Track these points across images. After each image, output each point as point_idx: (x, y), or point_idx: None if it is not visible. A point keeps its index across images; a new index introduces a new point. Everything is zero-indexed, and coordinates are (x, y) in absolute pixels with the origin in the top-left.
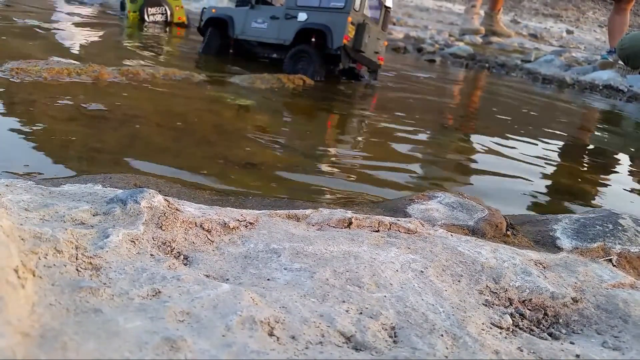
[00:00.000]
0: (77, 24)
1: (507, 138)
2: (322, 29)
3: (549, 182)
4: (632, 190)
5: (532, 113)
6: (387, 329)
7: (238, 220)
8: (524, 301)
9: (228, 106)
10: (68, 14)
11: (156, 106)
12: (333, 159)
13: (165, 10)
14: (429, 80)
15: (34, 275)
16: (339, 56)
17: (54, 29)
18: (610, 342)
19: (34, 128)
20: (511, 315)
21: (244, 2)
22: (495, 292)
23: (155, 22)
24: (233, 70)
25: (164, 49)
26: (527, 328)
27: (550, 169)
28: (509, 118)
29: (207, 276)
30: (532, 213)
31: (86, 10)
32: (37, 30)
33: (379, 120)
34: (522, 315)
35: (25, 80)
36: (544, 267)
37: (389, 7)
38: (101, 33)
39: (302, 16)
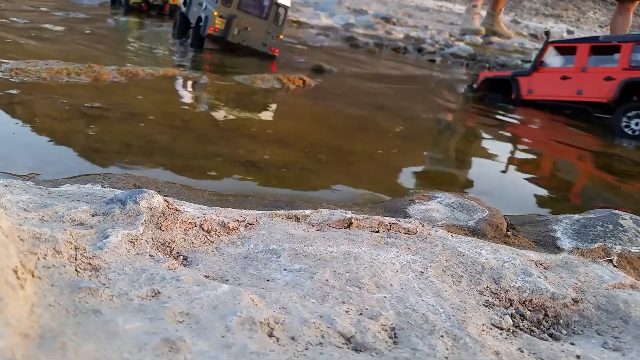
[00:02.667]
0: (74, 21)
1: (508, 138)
2: (202, 18)
3: (549, 183)
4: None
5: (532, 112)
6: (387, 329)
7: (237, 220)
8: (524, 302)
9: (228, 106)
10: (66, 12)
11: (156, 106)
12: (333, 158)
13: None
14: (430, 80)
15: (33, 276)
16: (204, 40)
17: (50, 26)
18: (610, 342)
19: (33, 128)
20: (512, 316)
21: None
22: (496, 293)
23: (153, 6)
24: (233, 70)
25: (161, 45)
26: (527, 329)
27: (550, 169)
28: (508, 117)
29: (207, 277)
30: (533, 213)
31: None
32: (36, 29)
33: (379, 121)
34: (523, 316)
35: (24, 81)
36: (545, 268)
37: (282, 4)
38: (98, 27)
39: (204, 6)
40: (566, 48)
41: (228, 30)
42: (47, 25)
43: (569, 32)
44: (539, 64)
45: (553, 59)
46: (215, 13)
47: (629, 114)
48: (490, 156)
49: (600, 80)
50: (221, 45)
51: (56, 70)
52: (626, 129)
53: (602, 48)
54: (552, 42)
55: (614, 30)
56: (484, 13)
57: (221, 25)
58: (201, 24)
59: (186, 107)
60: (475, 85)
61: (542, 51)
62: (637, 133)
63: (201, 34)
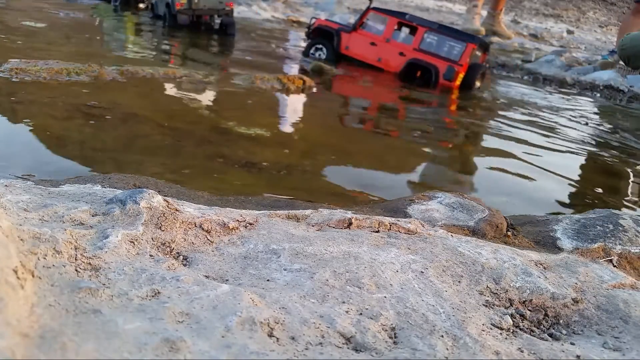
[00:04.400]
0: (73, 20)
1: (508, 138)
2: (169, 2)
3: (549, 183)
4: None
5: (532, 112)
6: (387, 329)
7: (237, 220)
8: (524, 302)
9: (228, 106)
10: (65, 12)
11: (156, 106)
12: (333, 159)
13: None
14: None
15: (33, 276)
16: (176, 16)
17: (50, 26)
18: (610, 342)
19: (33, 128)
20: (511, 316)
21: None
22: (496, 293)
23: None
24: (233, 70)
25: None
26: (527, 329)
27: (550, 169)
28: (508, 117)
29: (207, 277)
30: (533, 213)
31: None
32: (34, 29)
33: (379, 121)
34: (523, 316)
35: (25, 80)
36: (545, 268)
37: None
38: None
39: None
40: (382, 18)
41: (191, 1)
42: (43, 25)
43: (569, 32)
44: (358, 25)
45: (371, 24)
46: None
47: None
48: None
49: (396, 54)
50: (190, 17)
51: (56, 70)
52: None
53: (406, 26)
54: (374, 8)
55: (624, 30)
56: (484, 13)
57: (184, 0)
58: (171, 6)
59: (186, 107)
60: (310, 32)
61: (363, 14)
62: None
63: (172, 13)
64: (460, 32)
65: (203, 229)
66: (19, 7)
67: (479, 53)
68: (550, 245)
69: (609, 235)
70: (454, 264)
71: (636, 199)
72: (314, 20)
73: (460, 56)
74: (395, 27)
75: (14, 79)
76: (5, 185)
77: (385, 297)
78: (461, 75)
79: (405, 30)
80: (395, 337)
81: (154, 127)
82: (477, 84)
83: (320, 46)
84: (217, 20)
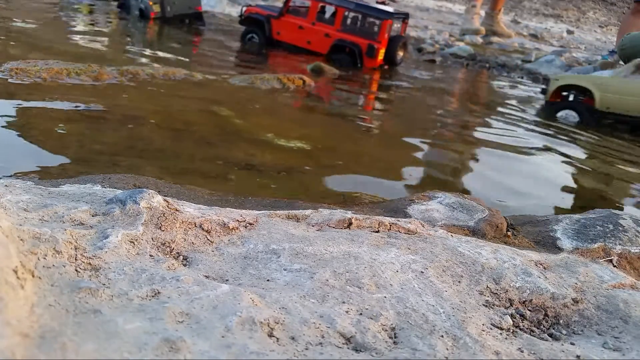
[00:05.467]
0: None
1: (508, 137)
2: (143, 9)
3: (550, 183)
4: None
5: (532, 112)
6: (387, 329)
7: (238, 220)
8: (524, 302)
9: (227, 107)
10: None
11: (156, 106)
12: (333, 159)
13: None
14: (432, 83)
15: (33, 276)
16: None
17: (47, 26)
18: (610, 342)
19: (33, 128)
20: (511, 316)
21: None
22: (496, 293)
23: None
24: (233, 70)
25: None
26: (527, 329)
27: (550, 169)
28: (508, 117)
29: (207, 277)
30: (533, 214)
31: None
32: (32, 29)
33: (377, 121)
34: (523, 316)
35: (24, 81)
36: (545, 268)
37: None
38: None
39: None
40: (304, 2)
41: (164, 9)
42: (41, 24)
43: (569, 32)
44: (285, 11)
45: (296, 8)
46: (151, 3)
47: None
48: None
49: (322, 36)
50: (163, 21)
51: (56, 70)
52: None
53: (328, 9)
54: None
55: (624, 30)
56: (483, 13)
57: (158, 9)
58: (145, 13)
59: (186, 108)
60: (242, 20)
61: (287, 0)
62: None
63: (147, 17)
64: (376, 9)
65: (203, 229)
66: None
67: (398, 25)
68: (550, 245)
69: (609, 235)
70: (454, 264)
71: (635, 200)
72: (244, 9)
73: (379, 33)
74: (318, 9)
75: (12, 80)
76: (5, 185)
77: (385, 297)
78: (382, 51)
79: (329, 12)
80: (395, 337)
81: (154, 127)
82: (400, 54)
83: (252, 35)
84: (187, 21)
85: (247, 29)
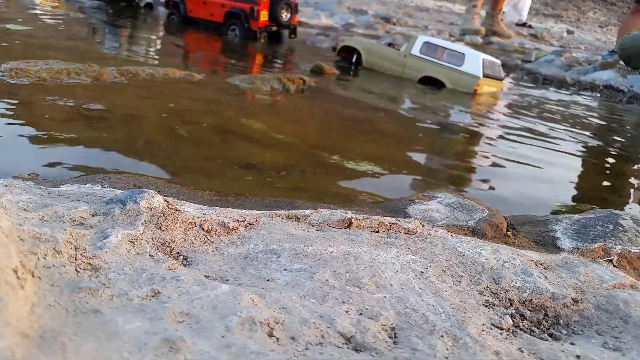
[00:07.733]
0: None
1: (508, 139)
2: None
3: (550, 182)
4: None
5: (532, 114)
6: (387, 329)
7: (237, 220)
8: (524, 302)
9: (227, 106)
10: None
11: (155, 106)
12: (333, 159)
13: None
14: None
15: (33, 276)
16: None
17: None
18: (610, 342)
19: (33, 129)
20: (511, 316)
21: None
22: (496, 293)
23: None
24: (233, 70)
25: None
26: (527, 329)
27: (551, 169)
28: (508, 117)
29: (207, 277)
30: (533, 213)
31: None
32: (31, 29)
33: (378, 121)
34: (523, 316)
35: (24, 81)
36: (545, 268)
37: None
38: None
39: None
40: None
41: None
42: (40, 23)
43: (569, 32)
44: None
45: None
46: None
47: (230, 28)
48: None
49: (219, 7)
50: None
51: (56, 71)
52: (231, 33)
53: None
54: None
55: (624, 30)
56: (483, 13)
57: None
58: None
59: (186, 107)
60: (166, 1)
61: None
62: (236, 36)
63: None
64: None
65: (203, 229)
66: None
67: None
68: (550, 245)
69: (609, 235)
70: (454, 264)
71: (636, 200)
72: None
73: None
74: None
75: (12, 80)
76: (5, 185)
77: (385, 297)
78: (264, 13)
79: None
80: (395, 337)
81: (153, 127)
82: (286, 14)
83: (173, 16)
84: (142, 3)
85: (170, 11)
